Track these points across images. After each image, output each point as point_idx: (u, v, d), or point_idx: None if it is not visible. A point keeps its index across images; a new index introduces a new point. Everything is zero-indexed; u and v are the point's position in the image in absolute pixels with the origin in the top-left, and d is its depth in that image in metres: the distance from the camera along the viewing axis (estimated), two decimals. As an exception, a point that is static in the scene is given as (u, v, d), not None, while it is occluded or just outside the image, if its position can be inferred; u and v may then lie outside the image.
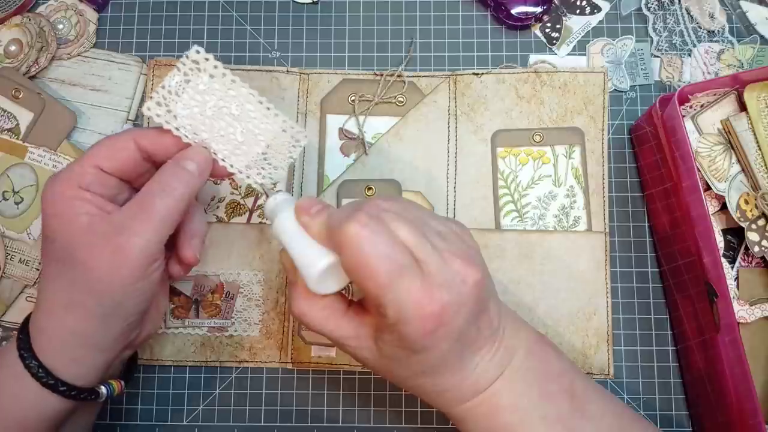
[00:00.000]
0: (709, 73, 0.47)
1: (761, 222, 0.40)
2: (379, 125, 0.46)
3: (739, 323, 0.39)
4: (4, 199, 0.45)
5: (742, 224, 0.40)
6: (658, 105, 0.42)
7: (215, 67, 0.34)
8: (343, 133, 0.46)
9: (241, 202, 0.45)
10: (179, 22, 0.48)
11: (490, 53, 0.48)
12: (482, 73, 0.46)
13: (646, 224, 0.46)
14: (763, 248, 0.39)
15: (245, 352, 0.44)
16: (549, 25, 0.48)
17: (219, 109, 0.34)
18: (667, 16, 0.48)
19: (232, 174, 0.35)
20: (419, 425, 0.44)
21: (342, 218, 0.30)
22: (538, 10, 0.47)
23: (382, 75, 0.47)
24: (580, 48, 0.48)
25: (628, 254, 0.45)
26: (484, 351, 0.32)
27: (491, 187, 0.45)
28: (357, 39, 0.48)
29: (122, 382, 0.36)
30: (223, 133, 0.35)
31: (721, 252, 0.40)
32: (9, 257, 0.44)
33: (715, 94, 0.42)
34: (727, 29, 0.47)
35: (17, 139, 0.45)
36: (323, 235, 0.32)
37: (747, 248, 0.40)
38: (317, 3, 0.49)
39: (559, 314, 0.44)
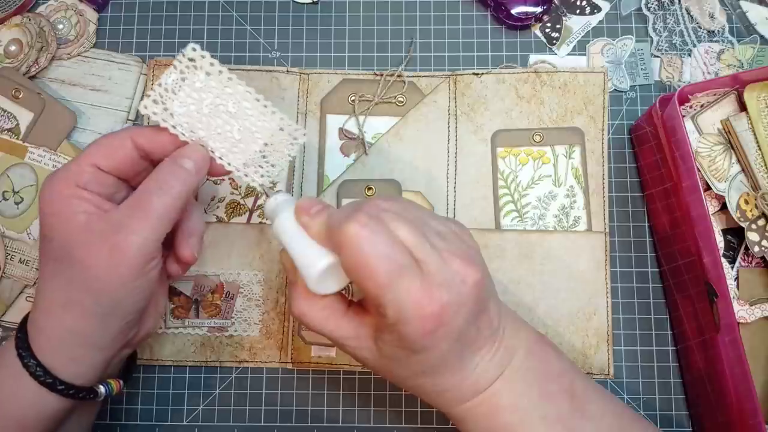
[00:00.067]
0: (709, 73, 0.47)
1: (761, 222, 0.40)
2: (379, 125, 0.46)
3: (739, 323, 0.39)
4: (4, 199, 0.45)
5: (742, 224, 0.40)
6: (658, 105, 0.42)
7: (211, 64, 0.34)
8: (343, 133, 0.46)
9: (241, 202, 0.45)
10: (179, 22, 0.48)
11: (490, 53, 0.48)
12: (482, 73, 0.46)
13: (646, 224, 0.46)
14: (763, 248, 0.39)
15: (245, 352, 0.44)
16: (549, 25, 0.48)
17: (216, 107, 0.34)
18: (667, 16, 0.48)
19: (230, 172, 0.35)
20: (419, 425, 0.44)
21: (341, 218, 0.30)
22: (538, 10, 0.47)
23: (382, 75, 0.47)
24: (580, 48, 0.48)
25: (628, 254, 0.45)
26: (484, 351, 0.32)
27: (491, 187, 0.45)
28: (357, 39, 0.48)
29: (121, 382, 0.36)
30: (220, 131, 0.35)
31: (721, 252, 0.40)
32: (9, 257, 0.44)
33: (715, 94, 0.42)
34: (727, 29, 0.47)
35: (17, 139, 0.45)
36: (323, 235, 0.32)
37: (747, 248, 0.40)
38: (317, 3, 0.49)
39: (559, 314, 0.44)
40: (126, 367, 0.39)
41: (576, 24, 0.48)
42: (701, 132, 0.41)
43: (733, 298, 0.40)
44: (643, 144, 0.45)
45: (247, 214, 0.45)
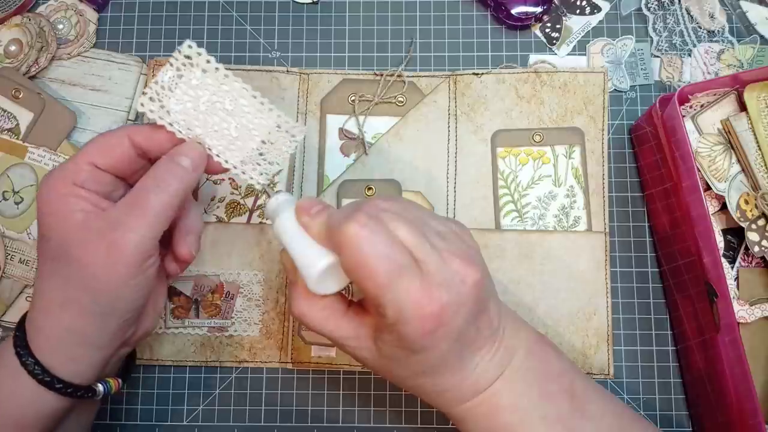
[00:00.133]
0: (709, 73, 0.47)
1: (761, 222, 0.40)
2: (379, 125, 0.46)
3: (739, 323, 0.39)
4: (4, 199, 0.45)
5: (742, 224, 0.40)
6: (658, 105, 0.42)
7: (208, 61, 0.34)
8: (343, 133, 0.46)
9: (241, 202, 0.45)
10: (179, 22, 0.48)
11: (490, 53, 0.48)
12: (482, 73, 0.46)
13: (646, 224, 0.46)
14: (763, 248, 0.39)
15: (245, 352, 0.44)
16: (549, 25, 0.48)
17: (212, 104, 0.34)
18: (667, 16, 0.48)
19: (228, 170, 0.35)
20: (419, 425, 0.44)
21: (341, 218, 0.30)
22: (538, 10, 0.47)
23: (382, 75, 0.47)
24: (580, 48, 0.48)
25: (628, 254, 0.45)
26: (484, 351, 0.32)
27: (491, 187, 0.45)
28: (357, 39, 0.48)
29: (120, 380, 0.36)
30: (216, 128, 0.35)
31: (721, 252, 0.40)
32: (9, 257, 0.44)
33: (715, 94, 0.42)
34: (727, 29, 0.47)
35: (17, 139, 0.45)
36: (323, 235, 0.32)
37: (747, 248, 0.40)
38: (317, 3, 0.49)
39: (559, 314, 0.44)
40: (125, 366, 0.39)
41: (576, 24, 0.48)
42: (701, 132, 0.41)
43: (733, 298, 0.40)
44: (643, 144, 0.45)
45: (247, 214, 0.45)
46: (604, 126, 0.45)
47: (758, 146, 0.40)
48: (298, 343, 0.44)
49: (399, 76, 0.47)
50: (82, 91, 0.46)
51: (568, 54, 0.48)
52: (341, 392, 0.44)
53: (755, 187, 0.40)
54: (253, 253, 0.44)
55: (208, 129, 0.34)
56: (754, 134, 0.40)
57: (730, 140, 0.41)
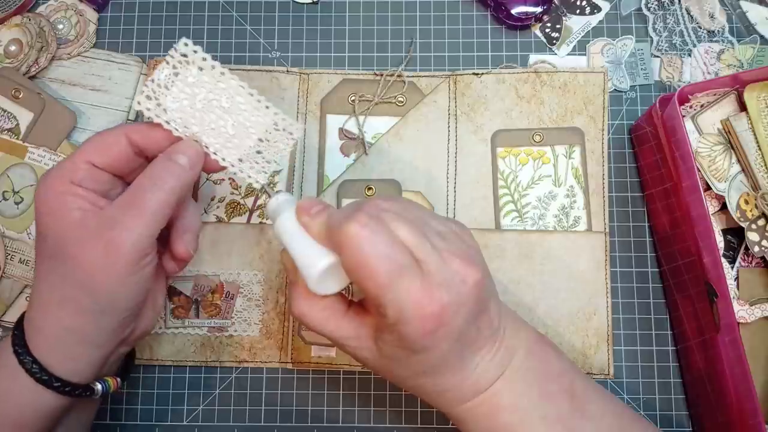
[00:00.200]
0: (709, 73, 0.47)
1: (761, 222, 0.40)
2: (379, 125, 0.46)
3: (739, 323, 0.39)
4: (4, 199, 0.45)
5: (742, 224, 0.40)
6: (658, 105, 0.42)
7: (204, 59, 0.34)
8: (343, 133, 0.46)
9: (241, 202, 0.45)
10: (179, 22, 0.48)
11: (490, 53, 0.48)
12: (482, 73, 0.46)
13: (646, 224, 0.46)
14: (763, 248, 0.39)
15: (245, 352, 0.44)
16: (549, 25, 0.48)
17: (209, 102, 0.34)
18: (667, 16, 0.48)
19: (225, 168, 0.35)
20: (419, 425, 0.44)
21: (342, 218, 0.30)
22: (538, 10, 0.47)
23: (382, 75, 0.47)
24: (580, 48, 0.48)
25: (628, 254, 0.45)
26: (485, 351, 0.32)
27: (491, 187, 0.45)
28: (357, 39, 0.48)
29: (118, 379, 0.36)
30: (213, 126, 0.35)
31: (721, 252, 0.40)
32: (9, 257, 0.44)
33: (715, 94, 0.42)
34: (727, 29, 0.47)
35: (17, 139, 0.45)
36: (323, 235, 0.32)
37: (747, 248, 0.40)
38: (317, 3, 0.49)
39: (559, 314, 0.44)
40: (124, 365, 0.39)
41: (576, 24, 0.48)
42: (701, 132, 0.41)
43: (733, 298, 0.40)
44: (643, 144, 0.45)
45: (247, 214, 0.45)
46: (604, 126, 0.45)
47: (758, 146, 0.40)
48: (298, 343, 0.44)
49: (399, 76, 0.47)
50: (82, 91, 0.46)
51: (568, 54, 0.48)
52: (341, 392, 0.44)
53: (755, 187, 0.40)
54: (253, 253, 0.44)
55: (204, 127, 0.34)
56: (754, 134, 0.40)
57: (730, 140, 0.41)
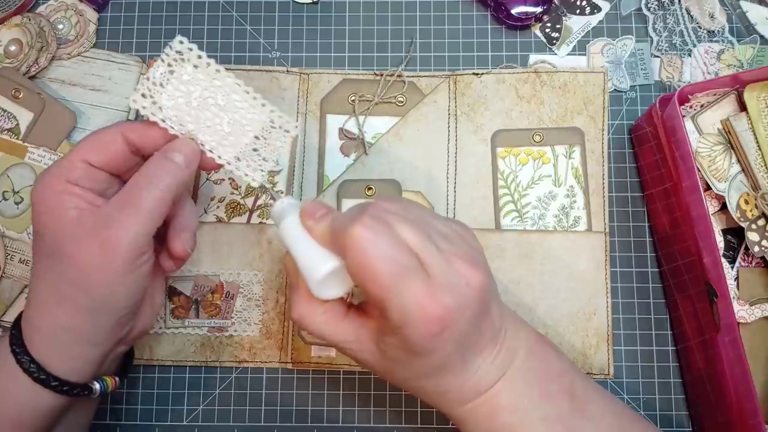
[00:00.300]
0: (709, 73, 0.47)
1: (761, 222, 0.40)
2: (379, 125, 0.46)
3: (739, 323, 0.39)
4: (4, 199, 0.45)
5: (742, 224, 0.40)
6: (658, 105, 0.42)
7: (199, 57, 0.34)
8: (343, 133, 0.46)
9: (241, 202, 0.45)
10: (179, 22, 0.48)
11: (490, 53, 0.48)
12: (482, 73, 0.46)
13: (646, 224, 0.46)
14: (763, 248, 0.39)
15: (245, 352, 0.44)
16: (549, 25, 0.48)
17: (204, 100, 0.34)
18: (667, 16, 0.48)
19: (221, 166, 0.35)
20: (419, 425, 0.44)
21: (346, 221, 0.30)
22: (538, 10, 0.47)
23: (382, 75, 0.47)
24: (580, 48, 0.48)
25: (628, 254, 0.45)
26: (486, 353, 0.32)
27: (491, 187, 0.45)
28: (357, 39, 0.48)
29: (116, 379, 0.36)
30: (209, 123, 0.34)
31: (721, 252, 0.40)
32: (9, 257, 0.44)
33: (715, 94, 0.42)
34: (727, 29, 0.47)
35: (17, 139, 0.45)
36: (327, 238, 0.32)
37: (747, 248, 0.40)
38: (317, 3, 0.49)
39: (559, 314, 0.44)
40: (122, 364, 0.39)
41: (576, 24, 0.48)
42: (701, 132, 0.41)
43: (733, 298, 0.40)
44: (643, 144, 0.45)
45: (247, 214, 0.45)
46: (604, 126, 0.45)
47: (758, 146, 0.40)
48: (298, 343, 0.44)
49: (399, 76, 0.47)
50: (82, 91, 0.46)
51: (568, 54, 0.48)
52: (341, 392, 0.44)
53: (755, 187, 0.40)
54: (253, 253, 0.44)
55: (200, 124, 0.34)
56: (754, 134, 0.40)
57: (730, 140, 0.41)
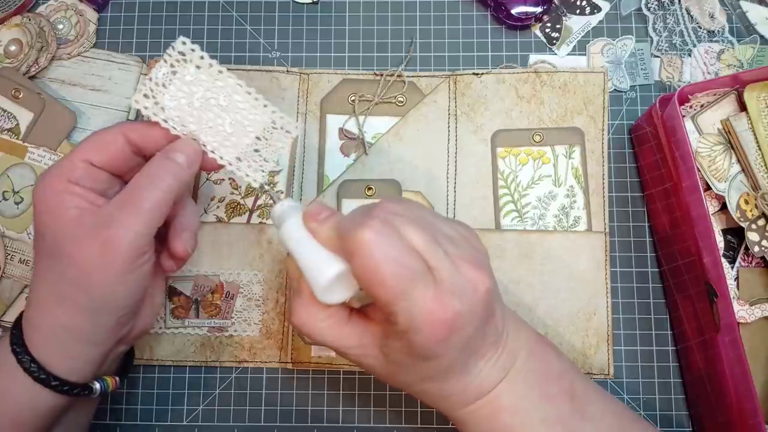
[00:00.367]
0: (709, 73, 0.47)
1: (761, 222, 0.40)
2: (379, 125, 0.46)
3: (739, 323, 0.39)
4: (4, 199, 0.45)
5: (742, 224, 0.40)
6: (658, 105, 0.42)
7: (201, 57, 0.34)
8: (343, 133, 0.46)
9: (241, 202, 0.45)
10: (179, 22, 0.48)
11: (490, 53, 0.48)
12: (482, 73, 0.46)
13: (646, 224, 0.46)
14: (763, 248, 0.39)
15: (245, 352, 0.44)
16: (549, 25, 0.48)
17: (206, 101, 0.34)
18: (667, 16, 0.48)
19: (223, 166, 0.35)
20: (419, 425, 0.44)
21: (353, 224, 0.29)
22: (538, 10, 0.47)
23: (382, 75, 0.47)
24: (580, 48, 0.48)
25: (628, 254, 0.45)
26: (489, 355, 0.32)
27: (491, 187, 0.45)
28: (357, 39, 0.48)
29: (117, 379, 0.36)
30: (211, 124, 0.34)
31: (721, 252, 0.40)
32: (9, 257, 0.44)
33: (715, 94, 0.42)
34: (727, 29, 0.47)
35: (17, 139, 0.45)
36: (332, 241, 0.31)
37: (747, 248, 0.40)
38: (317, 3, 0.49)
39: (559, 314, 0.44)
40: (123, 364, 0.39)
41: (576, 24, 0.48)
42: (701, 132, 0.41)
43: (733, 298, 0.40)
44: (643, 144, 0.45)
45: (247, 214, 0.45)
46: (604, 126, 0.45)
47: (758, 146, 0.40)
48: (298, 343, 0.44)
49: (399, 76, 0.47)
50: (82, 91, 0.46)
51: (568, 54, 0.48)
52: (341, 392, 0.44)
53: (755, 187, 0.40)
54: (253, 253, 0.44)
55: (202, 125, 0.34)
56: (754, 134, 0.40)
57: (730, 140, 0.41)
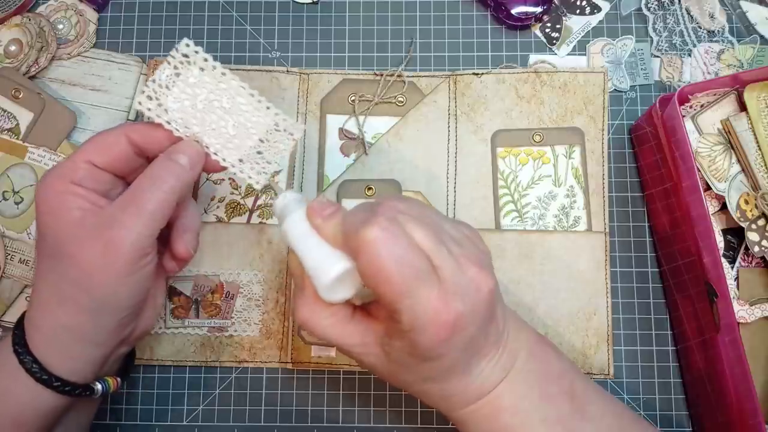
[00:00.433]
0: (709, 73, 0.47)
1: (761, 222, 0.40)
2: (379, 125, 0.46)
3: (739, 323, 0.39)
4: (4, 199, 0.45)
5: (742, 224, 0.40)
6: (658, 105, 0.42)
7: (205, 60, 0.34)
8: (343, 133, 0.46)
9: (241, 202, 0.45)
10: (179, 22, 0.48)
11: (490, 53, 0.48)
12: (482, 73, 0.46)
13: (646, 224, 0.46)
14: (763, 248, 0.39)
15: (245, 352, 0.44)
16: (549, 25, 0.48)
17: (210, 103, 0.34)
18: (667, 16, 0.48)
19: (225, 168, 0.35)
20: (419, 425, 0.44)
21: (359, 222, 0.29)
22: (538, 10, 0.47)
23: (382, 75, 0.47)
24: (580, 48, 0.48)
25: (628, 254, 0.45)
26: (490, 356, 0.32)
27: (491, 187, 0.45)
28: (357, 39, 0.48)
29: (118, 379, 0.36)
30: (214, 126, 0.34)
31: (721, 252, 0.40)
32: (9, 257, 0.44)
33: (715, 94, 0.42)
34: (727, 29, 0.47)
35: (17, 139, 0.45)
36: (337, 238, 0.31)
37: (747, 248, 0.40)
38: (317, 3, 0.49)
39: (559, 314, 0.44)
40: (124, 365, 0.39)
41: (576, 24, 0.48)
42: (701, 132, 0.41)
43: (733, 298, 0.40)
44: (643, 144, 0.45)
45: (247, 214, 0.45)
46: (604, 126, 0.45)
47: (758, 146, 0.40)
48: (298, 343, 0.44)
49: (399, 76, 0.47)
50: (82, 91, 0.46)
51: (568, 54, 0.48)
52: (341, 392, 0.44)
53: (755, 187, 0.40)
54: (253, 253, 0.44)
55: (205, 127, 0.34)
56: (754, 134, 0.40)
57: (730, 140, 0.41)
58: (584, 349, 0.43)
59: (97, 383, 0.34)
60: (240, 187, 0.45)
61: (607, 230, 0.44)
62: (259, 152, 0.35)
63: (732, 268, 0.41)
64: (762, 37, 0.47)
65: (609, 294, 0.44)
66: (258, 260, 0.44)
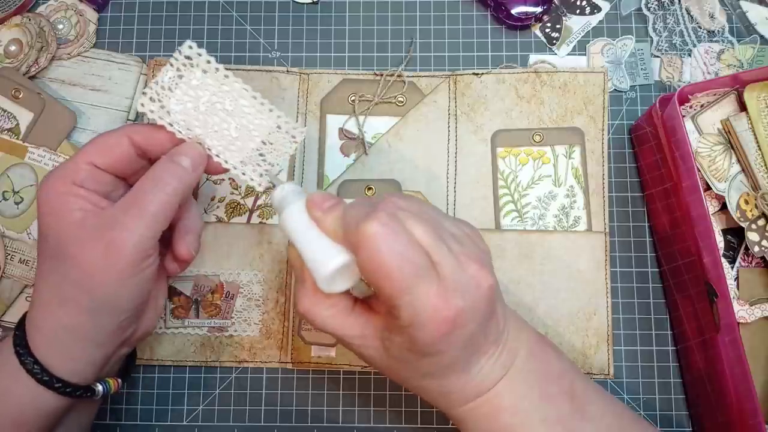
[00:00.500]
0: (709, 73, 0.47)
1: (761, 222, 0.40)
2: (379, 125, 0.46)
3: (739, 323, 0.39)
4: (4, 199, 0.45)
5: (742, 224, 0.40)
6: (658, 105, 0.42)
7: (208, 62, 0.34)
8: (343, 133, 0.46)
9: (241, 202, 0.45)
10: (179, 22, 0.48)
11: (490, 53, 0.48)
12: (482, 73, 0.46)
13: (646, 224, 0.46)
14: (763, 248, 0.39)
15: (245, 352, 0.44)
16: (549, 25, 0.48)
17: (212, 105, 0.34)
18: (667, 16, 0.48)
19: (227, 170, 0.35)
20: (419, 425, 0.44)
21: (360, 216, 0.29)
22: (538, 10, 0.47)
23: (382, 75, 0.47)
24: (580, 48, 0.48)
25: (628, 254, 0.45)
26: (490, 353, 0.32)
27: (491, 187, 0.45)
28: (357, 39, 0.48)
29: (119, 380, 0.36)
30: (216, 128, 0.35)
31: (721, 252, 0.40)
32: (9, 257, 0.44)
33: (715, 94, 0.42)
34: (727, 29, 0.47)
35: (17, 139, 0.45)
36: (337, 232, 0.31)
37: (747, 248, 0.40)
38: (317, 3, 0.49)
39: (559, 314, 0.44)
40: (125, 366, 0.39)
41: (576, 24, 0.48)
42: (701, 132, 0.41)
43: (733, 298, 0.40)
44: (643, 144, 0.45)
45: (247, 214, 0.45)
46: (604, 126, 0.45)
47: (758, 146, 0.40)
48: (298, 343, 0.44)
49: (399, 76, 0.47)
50: (82, 91, 0.46)
51: (568, 54, 0.48)
52: (341, 392, 0.44)
53: (755, 187, 0.40)
54: (253, 253, 0.44)
55: (208, 129, 0.34)
56: (754, 134, 0.40)
57: (730, 140, 0.41)
58: (584, 349, 0.43)
59: (98, 384, 0.34)
60: (240, 187, 0.45)
61: (607, 230, 0.44)
62: (261, 154, 0.35)
63: (732, 268, 0.41)
64: (762, 37, 0.47)
65: (609, 294, 0.44)
66: (258, 260, 0.44)
